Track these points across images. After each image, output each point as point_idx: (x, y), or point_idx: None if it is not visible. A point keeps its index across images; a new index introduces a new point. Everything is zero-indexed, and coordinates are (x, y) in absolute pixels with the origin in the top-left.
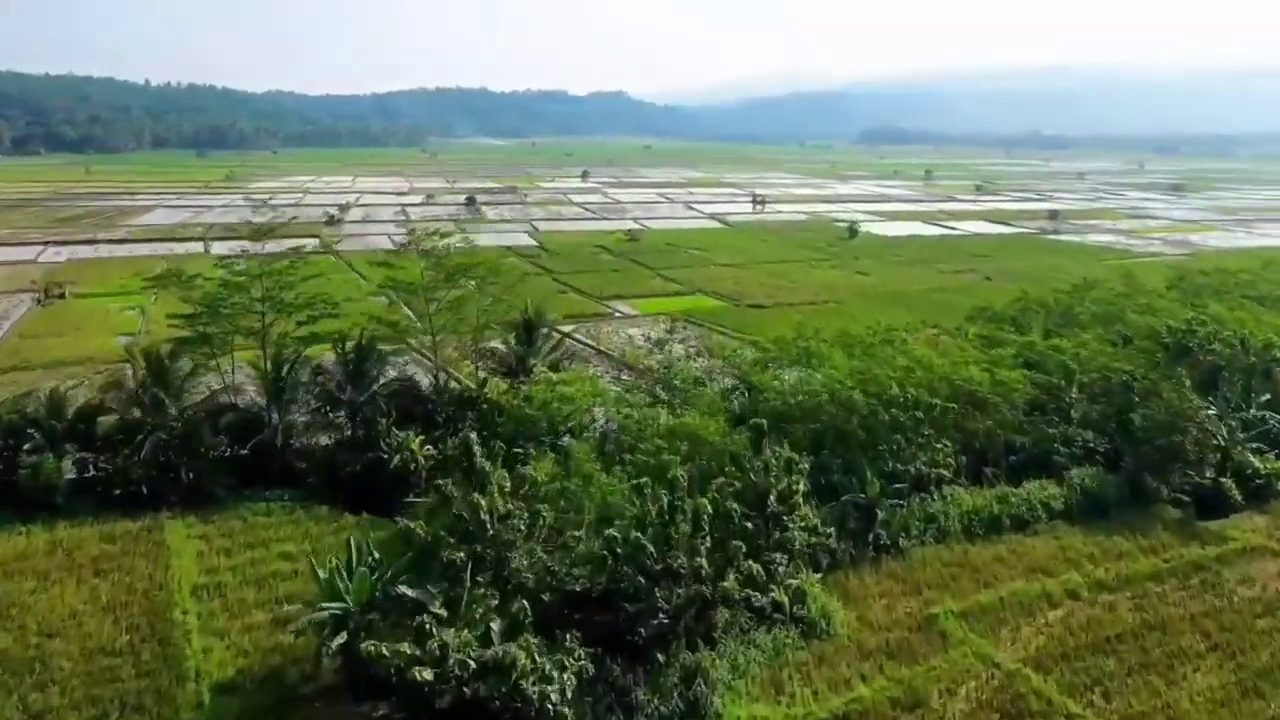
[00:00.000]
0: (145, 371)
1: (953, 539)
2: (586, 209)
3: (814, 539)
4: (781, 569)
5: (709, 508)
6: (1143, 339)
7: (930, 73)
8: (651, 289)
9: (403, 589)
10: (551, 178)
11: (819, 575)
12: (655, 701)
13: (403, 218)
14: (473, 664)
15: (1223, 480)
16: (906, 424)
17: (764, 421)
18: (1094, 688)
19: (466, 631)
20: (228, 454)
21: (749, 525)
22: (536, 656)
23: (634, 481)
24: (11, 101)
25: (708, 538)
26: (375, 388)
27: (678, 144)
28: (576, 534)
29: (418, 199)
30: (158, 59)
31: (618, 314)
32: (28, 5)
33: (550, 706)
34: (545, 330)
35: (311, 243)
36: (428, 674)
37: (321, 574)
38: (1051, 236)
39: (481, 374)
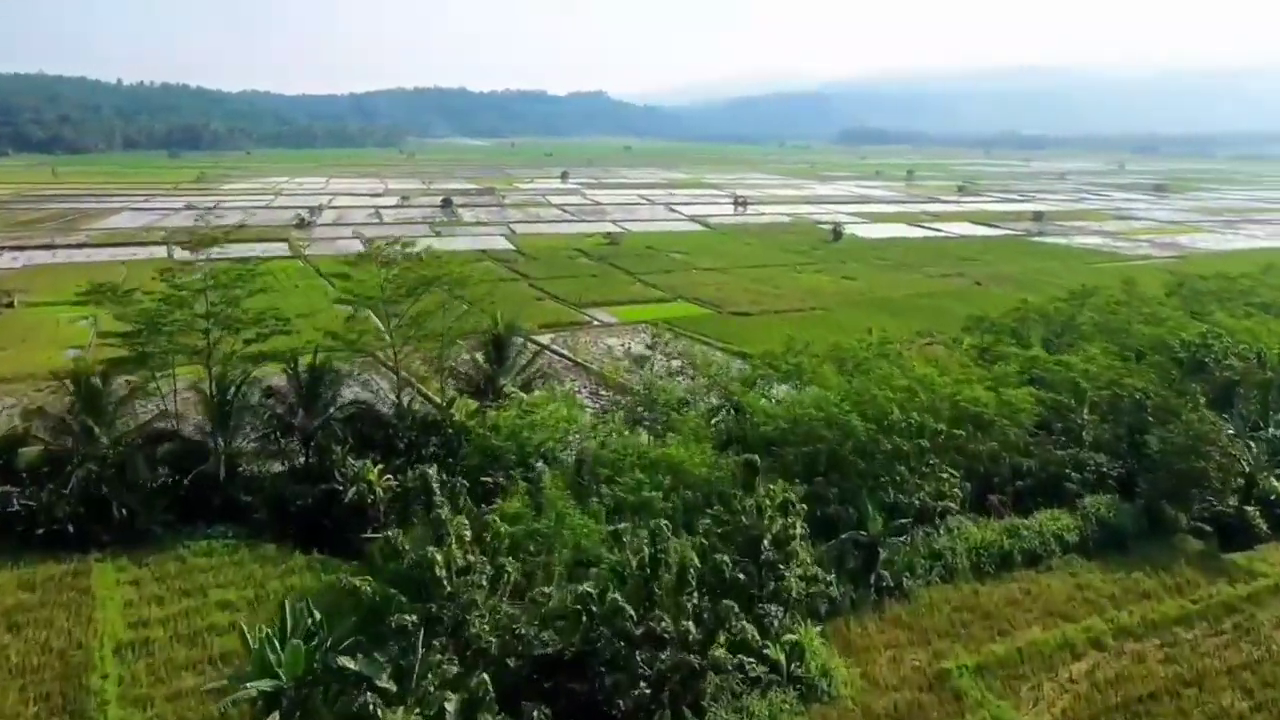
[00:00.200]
0: (74, 396)
1: (961, 578)
2: (565, 211)
3: (813, 588)
4: (777, 622)
5: (695, 559)
6: (1153, 352)
7: (908, 73)
8: (631, 295)
9: (344, 661)
10: (530, 179)
11: (817, 625)
12: None
13: (376, 220)
14: None
15: (1247, 508)
16: (910, 452)
17: (756, 457)
18: None
19: (418, 712)
20: (166, 487)
21: (741, 576)
22: None
23: (611, 527)
24: None
25: (695, 593)
26: (331, 411)
27: (658, 144)
28: (546, 590)
29: (392, 201)
30: (131, 58)
31: (596, 322)
32: None
33: None
34: (517, 346)
35: (279, 247)
36: None
37: (252, 641)
38: (1037, 239)
39: (448, 394)
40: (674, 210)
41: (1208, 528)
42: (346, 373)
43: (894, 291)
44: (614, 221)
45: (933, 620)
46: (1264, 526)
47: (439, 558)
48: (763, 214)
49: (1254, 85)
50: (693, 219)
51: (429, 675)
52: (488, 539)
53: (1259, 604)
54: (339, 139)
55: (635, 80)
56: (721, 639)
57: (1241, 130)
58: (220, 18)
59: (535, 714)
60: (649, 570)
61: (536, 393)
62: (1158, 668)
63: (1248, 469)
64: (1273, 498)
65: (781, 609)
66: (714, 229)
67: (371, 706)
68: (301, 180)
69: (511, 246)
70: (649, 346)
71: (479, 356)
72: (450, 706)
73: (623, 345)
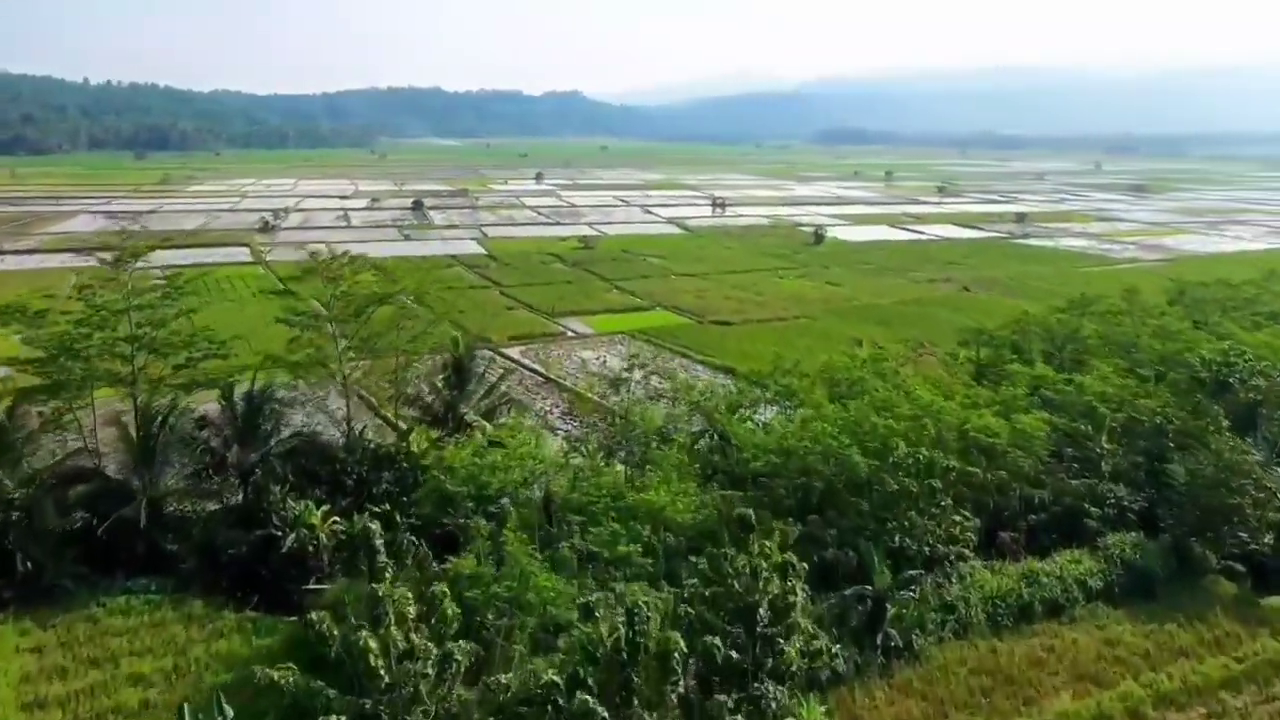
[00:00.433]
0: None
1: (976, 633)
2: (539, 213)
3: (816, 661)
4: (775, 704)
5: (681, 643)
6: (1170, 370)
7: (884, 73)
8: (607, 304)
9: None
10: (504, 180)
11: (819, 696)
12: None
13: (344, 223)
14: None
15: None
16: (919, 494)
17: (750, 512)
18: None
19: None
20: (79, 533)
21: (734, 654)
22: None
23: (583, 599)
24: None
25: (680, 680)
26: (271, 445)
27: (634, 144)
28: (503, 679)
29: (362, 203)
30: (99, 56)
31: (570, 333)
32: None
33: None
34: (480, 369)
35: (240, 252)
36: None
37: None
38: (1021, 241)
39: (405, 424)
40: (651, 212)
41: (1240, 567)
42: (291, 400)
43: (880, 298)
44: (589, 224)
45: (948, 687)
46: None
47: (373, 644)
48: (741, 216)
49: (1226, 85)
50: (670, 221)
51: None
52: (435, 615)
53: None
54: (311, 139)
55: (611, 80)
56: None
57: (1215, 130)
58: (191, 16)
59: None
60: (625, 654)
61: (504, 420)
62: None
63: None
64: None
65: (779, 685)
66: (692, 231)
67: None
68: (269, 182)
69: (483, 251)
70: (626, 369)
71: (438, 381)
72: None
73: (598, 359)
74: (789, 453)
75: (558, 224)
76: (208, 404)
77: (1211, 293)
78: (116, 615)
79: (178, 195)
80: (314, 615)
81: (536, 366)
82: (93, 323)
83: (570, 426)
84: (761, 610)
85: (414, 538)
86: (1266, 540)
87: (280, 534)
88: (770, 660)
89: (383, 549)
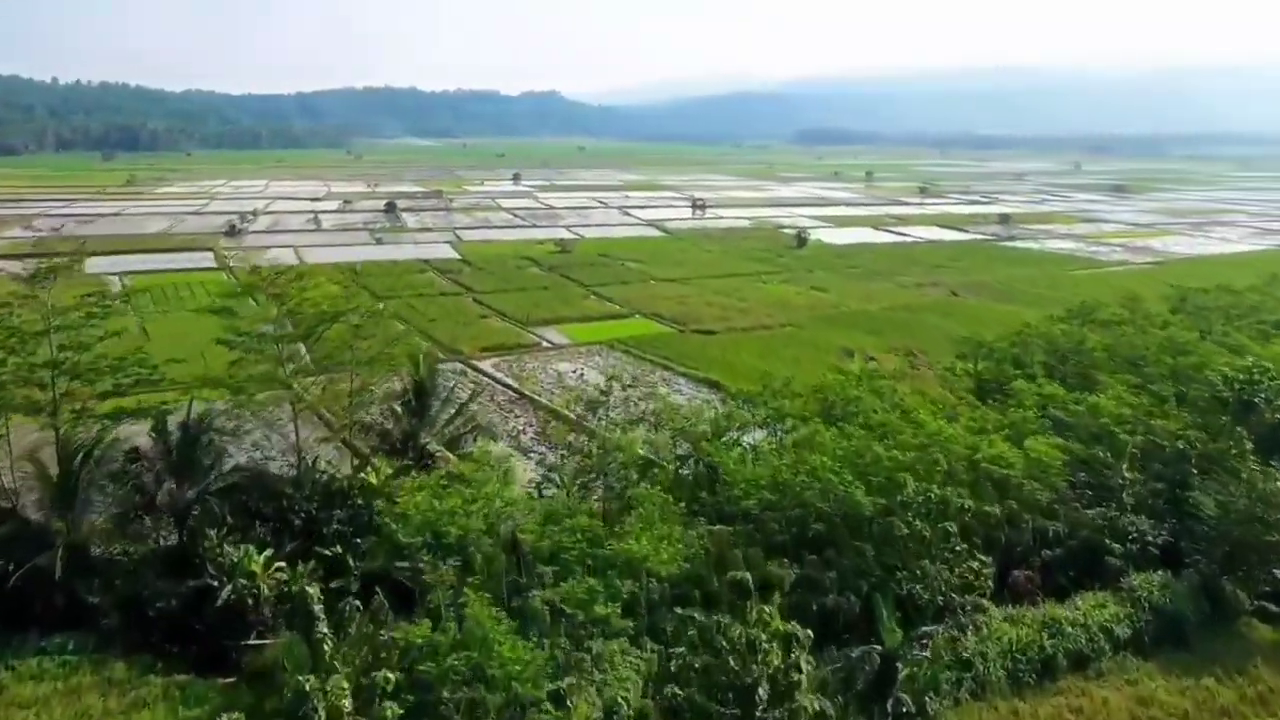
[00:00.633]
0: None
1: (995, 692)
2: (515, 215)
3: None
4: None
5: None
6: (1192, 389)
7: (863, 73)
8: (585, 311)
9: None
10: (481, 181)
11: None
12: None
13: (314, 226)
14: None
15: None
16: (932, 539)
17: (749, 576)
18: None
19: None
20: None
21: None
22: None
23: (555, 685)
24: None
25: None
26: (209, 480)
27: (612, 145)
28: None
29: (334, 205)
30: (68, 56)
31: (546, 344)
32: None
33: None
34: (445, 394)
35: (204, 257)
36: None
37: None
38: (1007, 243)
39: (361, 453)
40: (629, 214)
41: (1274, 608)
42: (234, 429)
43: (868, 304)
44: (567, 226)
45: None
46: None
47: None
48: (722, 217)
49: (1201, 86)
50: (649, 223)
51: None
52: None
53: None
54: (285, 140)
55: (589, 80)
56: None
57: (1191, 131)
58: (164, 15)
59: None
60: None
61: (471, 448)
62: None
63: None
64: None
65: None
66: (672, 234)
67: None
68: (240, 183)
69: (456, 255)
70: (603, 391)
71: (397, 406)
72: None
73: (575, 371)
74: (784, 488)
75: (534, 226)
76: (142, 436)
77: (1213, 299)
78: (26, 681)
79: (143, 197)
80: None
81: (509, 381)
82: (7, 346)
83: (545, 449)
84: (761, 690)
85: (363, 591)
86: None
87: (216, 583)
88: None
89: (322, 615)
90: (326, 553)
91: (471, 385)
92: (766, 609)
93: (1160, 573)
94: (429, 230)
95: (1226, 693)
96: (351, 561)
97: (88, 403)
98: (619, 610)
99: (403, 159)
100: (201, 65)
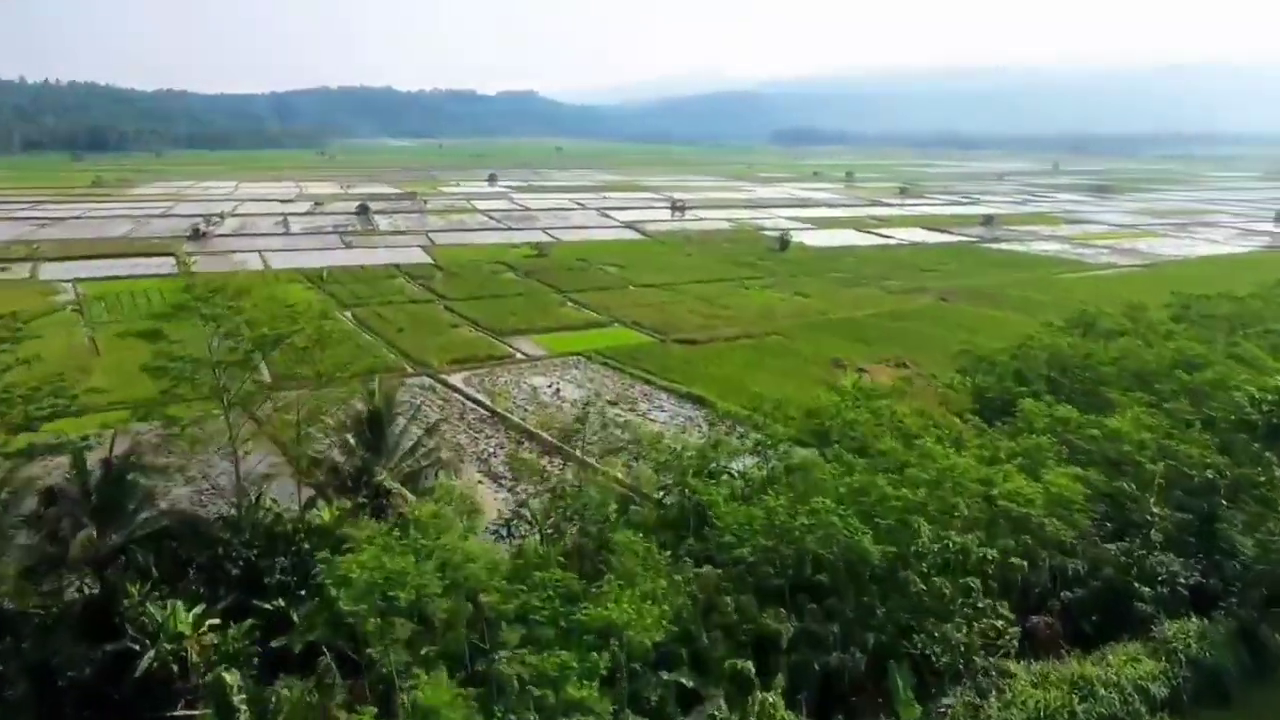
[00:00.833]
0: None
1: None
2: (491, 218)
3: None
4: None
5: None
6: (1200, 406)
7: (841, 73)
8: (561, 320)
9: None
10: (456, 182)
11: None
12: None
13: (282, 229)
14: None
15: None
16: (951, 596)
17: (751, 665)
18: None
19: None
20: None
21: None
22: None
23: None
24: None
25: None
26: (133, 527)
27: (591, 145)
28: None
29: (304, 207)
30: (37, 54)
31: (520, 355)
32: None
33: None
34: (403, 423)
35: (164, 263)
36: None
37: None
38: (992, 245)
39: (310, 491)
40: (608, 216)
41: None
42: (165, 466)
43: (855, 310)
44: (543, 229)
45: None
46: None
47: None
48: (702, 219)
49: (1175, 86)
50: (628, 225)
51: None
52: None
53: None
54: (258, 140)
55: (567, 80)
56: None
57: (1166, 131)
58: (136, 14)
59: None
60: None
61: (434, 482)
62: None
63: None
64: None
65: None
66: (651, 237)
67: None
68: (209, 184)
69: (429, 260)
70: (579, 419)
71: (350, 438)
72: None
73: (550, 386)
74: (781, 531)
75: (510, 229)
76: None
77: (1215, 306)
78: None
79: (109, 199)
80: None
81: (480, 397)
82: None
83: (513, 481)
84: None
85: (308, 651)
86: None
87: (138, 647)
88: None
89: (243, 705)
90: (267, 606)
91: (440, 403)
92: (769, 698)
93: (1196, 620)
94: (401, 233)
95: None
96: (295, 617)
97: None
98: (595, 689)
99: (378, 159)
100: (174, 65)
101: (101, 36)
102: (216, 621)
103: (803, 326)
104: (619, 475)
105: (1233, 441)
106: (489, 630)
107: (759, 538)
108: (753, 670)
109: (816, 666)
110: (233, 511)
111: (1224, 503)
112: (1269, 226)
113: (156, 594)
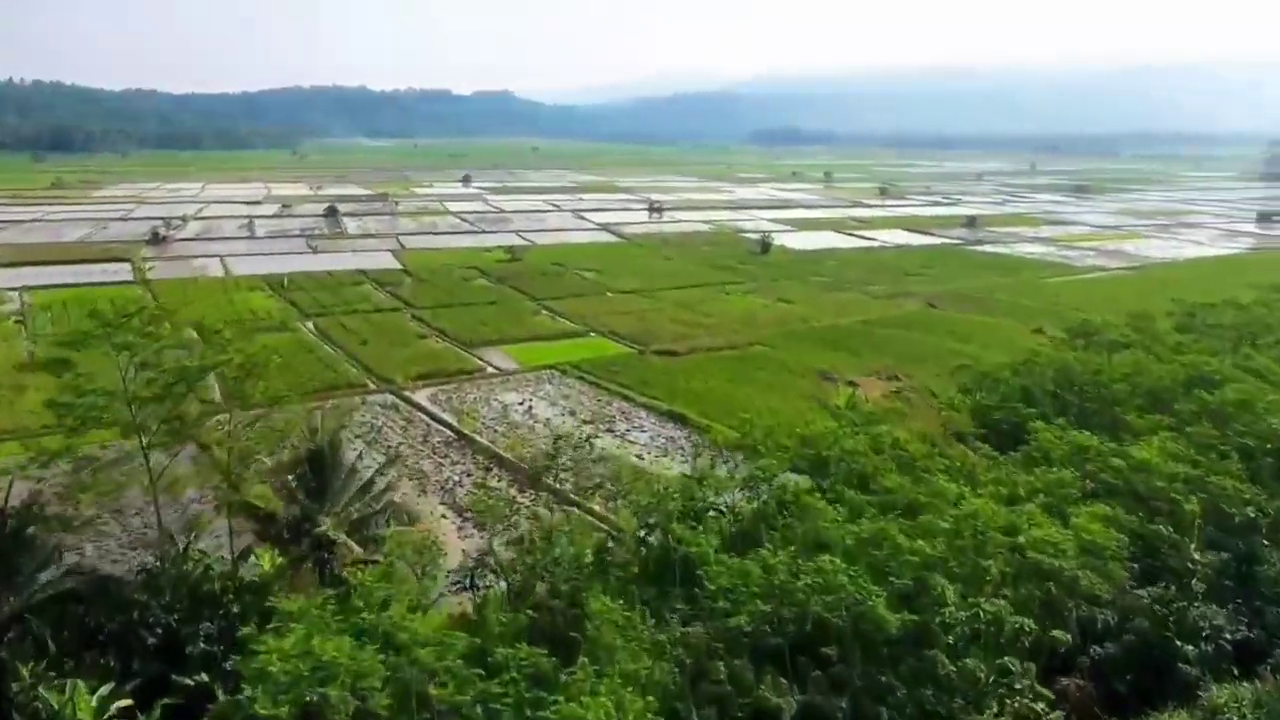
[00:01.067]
0: None
1: None
2: (464, 220)
3: None
4: None
5: None
6: (1259, 441)
7: (818, 72)
8: (534, 329)
9: None
10: (430, 182)
11: None
12: None
13: (247, 233)
14: None
15: None
16: (986, 677)
17: None
18: None
19: None
20: None
21: None
22: None
23: None
24: None
25: None
26: (31, 591)
27: (567, 145)
28: None
29: (271, 209)
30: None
31: (490, 368)
32: None
33: None
34: (350, 459)
35: (120, 269)
36: None
37: None
38: (976, 247)
39: (245, 541)
40: (584, 218)
41: None
42: (73, 517)
43: (840, 317)
44: (517, 232)
45: None
46: None
47: None
48: (680, 221)
49: (1151, 85)
50: (604, 227)
51: None
52: None
53: None
54: (228, 140)
55: (543, 80)
56: None
57: (1140, 131)
58: (101, 11)
59: None
60: None
61: (387, 530)
62: None
63: None
64: None
65: None
66: (628, 239)
67: None
68: (175, 186)
69: (398, 265)
70: (550, 454)
71: (291, 481)
72: None
73: (522, 403)
74: (783, 594)
75: (483, 232)
76: None
77: (1221, 315)
78: None
79: (68, 201)
80: None
81: (447, 418)
82: None
83: (474, 525)
84: None
85: None
86: None
87: None
88: None
89: None
90: (188, 682)
91: (402, 423)
92: None
93: (1248, 685)
94: (370, 236)
95: None
96: (221, 694)
97: None
98: None
99: (351, 160)
100: (143, 64)
101: (68, 35)
102: (127, 703)
103: (787, 335)
104: (595, 511)
105: (1259, 469)
106: None
107: (757, 601)
108: None
109: None
110: (156, 563)
111: (1265, 543)
112: (1251, 227)
113: (53, 673)
